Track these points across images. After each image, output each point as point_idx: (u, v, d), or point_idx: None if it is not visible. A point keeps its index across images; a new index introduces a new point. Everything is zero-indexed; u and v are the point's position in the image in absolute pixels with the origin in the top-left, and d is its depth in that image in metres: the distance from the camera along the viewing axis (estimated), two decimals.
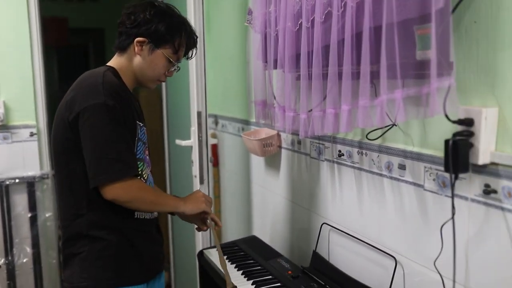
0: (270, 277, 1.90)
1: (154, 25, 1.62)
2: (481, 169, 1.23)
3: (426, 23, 1.15)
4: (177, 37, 1.66)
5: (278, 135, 2.28)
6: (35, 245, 2.85)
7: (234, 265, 2.01)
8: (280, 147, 2.29)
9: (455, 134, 1.20)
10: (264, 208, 2.53)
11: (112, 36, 6.23)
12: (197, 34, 1.76)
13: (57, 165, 1.61)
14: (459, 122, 1.20)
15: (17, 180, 2.79)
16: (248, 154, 2.63)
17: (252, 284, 1.84)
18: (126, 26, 1.64)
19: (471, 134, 1.19)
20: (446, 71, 1.14)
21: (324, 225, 1.93)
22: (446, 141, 1.20)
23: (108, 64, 1.68)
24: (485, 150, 1.19)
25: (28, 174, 2.81)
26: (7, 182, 2.76)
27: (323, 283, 1.78)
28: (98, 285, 1.57)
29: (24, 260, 2.84)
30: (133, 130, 1.58)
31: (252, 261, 2.05)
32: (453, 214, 1.23)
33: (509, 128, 1.17)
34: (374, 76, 1.31)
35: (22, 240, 2.84)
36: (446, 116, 1.18)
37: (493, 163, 1.20)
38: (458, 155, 1.18)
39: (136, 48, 1.63)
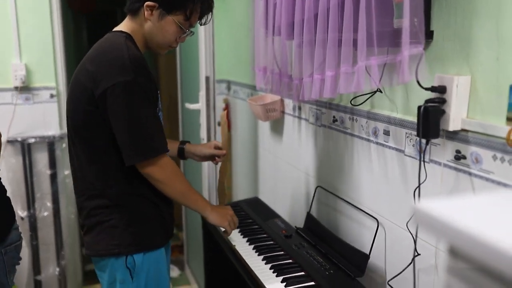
0: (265, 235, 2.00)
1: None
2: (453, 136, 1.27)
3: None
4: (190, 3, 1.60)
5: (282, 101, 2.34)
6: (55, 200, 3.02)
7: None
8: (283, 112, 2.35)
9: (427, 101, 1.24)
10: (268, 171, 2.61)
11: None
12: None
13: (77, 137, 1.60)
14: (432, 89, 1.24)
15: (38, 139, 2.94)
16: (256, 119, 2.70)
17: (247, 242, 1.94)
18: None
19: (444, 101, 1.24)
20: (418, 39, 1.17)
21: (318, 188, 2.01)
22: (418, 108, 1.24)
23: (121, 28, 1.64)
24: (456, 117, 1.23)
25: (48, 134, 2.96)
26: (29, 141, 2.92)
27: (313, 243, 1.87)
28: (130, 251, 1.61)
29: (45, 214, 3.03)
30: (157, 101, 1.61)
31: (250, 221, 2.15)
32: (420, 178, 1.29)
33: (480, 96, 1.20)
34: (356, 43, 1.35)
35: (43, 196, 3.02)
36: (418, 83, 1.22)
37: (464, 130, 1.24)
38: (429, 121, 1.23)
39: (146, 13, 1.59)
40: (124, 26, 1.65)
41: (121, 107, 1.49)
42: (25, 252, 3.01)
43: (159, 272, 1.70)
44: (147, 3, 1.58)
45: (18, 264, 1.93)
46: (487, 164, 1.18)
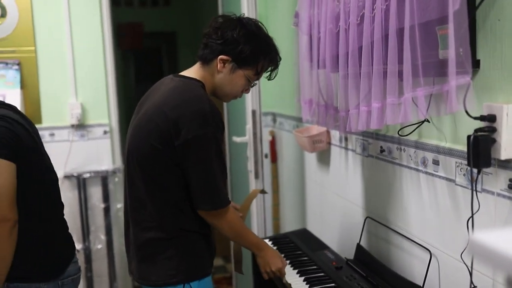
0: (315, 267, 1.99)
1: (241, 46, 1.63)
2: (506, 164, 1.25)
3: (446, 23, 1.20)
4: (261, 60, 1.68)
5: (328, 132, 2.36)
6: (108, 233, 3.12)
7: (283, 255, 2.12)
8: (329, 143, 2.37)
9: (476, 130, 1.24)
10: (316, 202, 2.62)
11: (184, 39, 6.58)
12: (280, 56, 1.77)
13: (139, 171, 1.66)
14: (481, 118, 1.24)
15: (92, 174, 3.06)
16: (303, 151, 2.73)
17: (297, 273, 1.94)
18: (213, 40, 1.66)
19: (494, 130, 1.23)
20: (465, 69, 1.18)
21: (368, 219, 2.00)
22: (468, 137, 1.24)
23: (193, 75, 1.70)
24: (508, 146, 1.22)
25: (102, 169, 3.08)
26: (84, 176, 3.05)
27: (364, 274, 1.86)
28: (186, 279, 1.68)
29: (99, 247, 3.13)
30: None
31: (300, 252, 2.16)
32: (472, 208, 1.27)
33: None
34: (401, 74, 1.37)
35: (97, 228, 3.13)
36: (467, 113, 1.22)
37: None
38: (479, 151, 1.22)
39: (218, 65, 1.66)
40: (196, 73, 1.71)
41: (198, 158, 1.59)
42: (80, 285, 3.10)
43: None
44: (221, 56, 1.64)
45: None
46: None
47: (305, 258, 2.10)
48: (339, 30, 1.76)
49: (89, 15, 3.01)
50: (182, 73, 1.73)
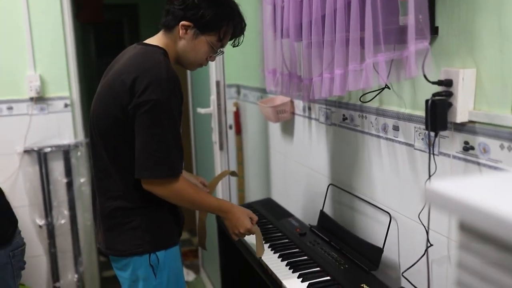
0: (280, 234, 2.04)
1: (202, 11, 1.61)
2: (461, 127, 1.31)
3: None
4: (224, 25, 1.65)
5: (291, 102, 2.39)
6: (72, 208, 3.07)
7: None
8: (293, 113, 2.39)
9: (434, 95, 1.28)
10: (280, 172, 2.65)
11: (145, 11, 6.45)
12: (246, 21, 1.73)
13: (102, 141, 1.65)
14: (439, 83, 1.28)
15: (53, 148, 3.00)
16: (267, 121, 2.75)
17: (263, 240, 1.98)
18: (174, 6, 1.64)
19: (450, 94, 1.27)
20: (423, 35, 1.22)
21: (330, 186, 2.04)
22: (426, 101, 1.28)
23: (156, 43, 1.68)
24: (463, 109, 1.27)
25: (63, 143, 3.02)
26: (45, 150, 2.98)
27: (327, 240, 1.91)
28: (151, 249, 1.67)
29: (62, 222, 3.08)
30: (181, 115, 1.65)
31: (264, 220, 2.19)
32: (430, 171, 1.32)
33: (486, 88, 1.24)
34: (363, 42, 1.39)
35: (60, 204, 3.07)
36: (425, 77, 1.26)
37: (471, 121, 1.28)
38: (436, 114, 1.27)
39: (180, 31, 1.63)
40: (159, 40, 1.69)
41: (148, 123, 1.54)
42: (43, 260, 3.07)
43: (178, 268, 1.77)
44: (182, 22, 1.62)
45: (23, 268, 1.98)
46: (495, 154, 1.21)
47: (270, 226, 2.14)
48: None
49: None
50: (146, 41, 1.71)
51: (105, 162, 1.68)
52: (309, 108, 2.21)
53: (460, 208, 0.58)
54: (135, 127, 1.56)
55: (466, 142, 1.30)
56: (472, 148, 1.28)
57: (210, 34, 1.65)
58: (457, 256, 0.65)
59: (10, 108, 2.94)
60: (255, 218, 1.81)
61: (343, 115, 1.91)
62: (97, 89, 1.71)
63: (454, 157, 1.35)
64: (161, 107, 1.54)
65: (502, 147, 1.18)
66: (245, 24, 1.73)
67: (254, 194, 3.11)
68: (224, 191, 2.75)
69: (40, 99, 2.96)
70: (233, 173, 2.22)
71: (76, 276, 3.12)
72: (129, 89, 1.55)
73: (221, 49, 1.74)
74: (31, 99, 2.94)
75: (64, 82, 3.02)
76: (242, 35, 1.75)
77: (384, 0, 1.29)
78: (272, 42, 2.11)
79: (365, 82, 1.35)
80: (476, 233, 0.60)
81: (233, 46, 1.79)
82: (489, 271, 0.60)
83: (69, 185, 3.07)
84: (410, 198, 1.56)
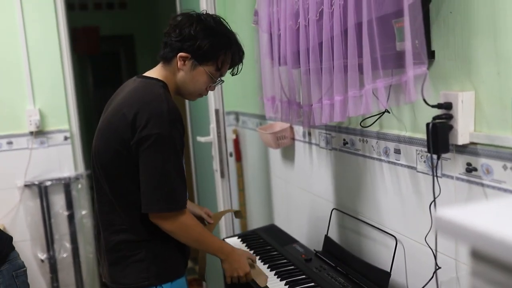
0: (285, 261, 2.02)
1: (198, 42, 1.61)
2: (463, 149, 1.32)
3: (401, 16, 1.25)
4: (221, 55, 1.66)
5: (291, 128, 2.40)
6: (74, 240, 3.06)
7: (252, 251, 2.14)
8: (293, 139, 2.41)
9: (435, 118, 1.29)
10: (282, 197, 2.65)
11: (142, 42, 6.50)
12: (244, 50, 1.74)
13: (104, 175, 1.64)
14: (438, 106, 1.30)
15: (54, 181, 3.00)
16: (267, 148, 2.76)
17: (267, 268, 1.97)
18: (171, 38, 1.65)
19: (450, 117, 1.29)
20: (421, 60, 1.23)
21: (334, 210, 2.04)
22: (427, 125, 1.29)
23: (155, 75, 1.69)
24: (464, 131, 1.28)
25: (64, 175, 3.02)
26: (46, 184, 2.98)
27: (333, 265, 1.90)
28: (158, 282, 1.66)
29: (64, 255, 3.06)
30: (183, 147, 1.66)
31: (269, 247, 2.18)
32: (434, 193, 1.33)
33: (485, 109, 1.25)
34: (361, 68, 1.41)
35: (62, 237, 3.06)
36: (425, 101, 1.28)
37: (472, 143, 1.29)
38: (438, 137, 1.28)
39: (178, 63, 1.65)
40: (158, 73, 1.70)
41: (151, 157, 1.55)
42: None
43: None
44: (180, 54, 1.63)
45: None
46: (498, 174, 1.22)
47: (275, 252, 2.12)
48: (299, 27, 1.79)
49: (44, 19, 2.95)
50: (145, 74, 1.72)
51: (108, 196, 1.68)
52: (309, 134, 2.22)
53: (471, 236, 0.59)
54: (139, 162, 1.57)
55: (468, 164, 1.31)
56: (475, 169, 1.28)
57: (208, 64, 1.66)
58: (470, 283, 0.65)
59: (10, 143, 2.96)
60: (254, 258, 1.84)
61: (344, 139, 1.92)
62: (99, 123, 1.72)
63: (458, 178, 1.35)
64: (162, 140, 1.54)
65: (505, 167, 1.19)
66: (243, 53, 1.75)
67: (256, 221, 3.09)
68: (227, 218, 2.74)
69: (39, 133, 2.98)
70: (237, 213, 2.22)
71: None
72: (131, 123, 1.55)
73: (220, 79, 1.75)
74: (31, 133, 2.96)
75: (63, 115, 3.04)
76: (241, 64, 1.76)
77: (380, 26, 1.31)
78: (270, 69, 2.14)
79: (365, 108, 1.37)
80: (488, 260, 0.60)
81: (232, 75, 1.80)
82: None
83: (71, 217, 3.07)
84: (415, 221, 1.56)
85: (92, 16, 6.33)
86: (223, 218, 2.69)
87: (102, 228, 1.72)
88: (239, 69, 1.78)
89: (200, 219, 2.01)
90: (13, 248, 1.92)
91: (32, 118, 2.94)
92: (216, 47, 1.65)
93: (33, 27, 2.93)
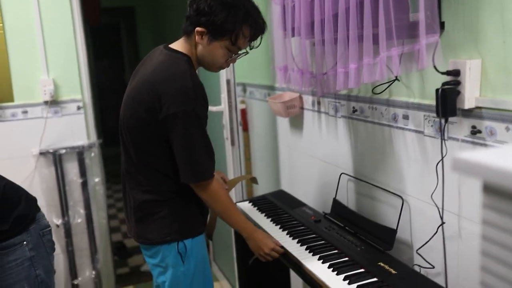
0: (296, 222, 2.15)
1: (213, 17, 1.65)
2: (468, 113, 1.43)
3: None
4: (237, 29, 1.68)
5: (300, 97, 2.50)
6: (87, 207, 3.18)
7: (264, 214, 2.27)
8: (302, 108, 2.51)
9: (444, 84, 1.40)
10: (290, 165, 2.77)
11: (142, 15, 6.50)
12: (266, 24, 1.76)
13: (131, 139, 1.77)
14: (447, 73, 1.41)
15: (68, 150, 3.10)
16: (274, 117, 2.86)
17: (280, 228, 2.10)
18: (190, 12, 1.70)
19: (458, 83, 1.40)
20: (433, 29, 1.34)
21: (342, 175, 2.16)
22: (436, 90, 1.40)
23: (179, 48, 1.75)
24: (470, 96, 1.39)
25: (77, 144, 3.13)
26: (60, 152, 3.08)
27: (342, 225, 2.03)
28: (179, 238, 1.80)
29: (79, 221, 3.19)
30: (206, 119, 1.77)
31: (280, 210, 2.31)
32: (442, 153, 1.44)
33: (490, 76, 1.36)
34: (376, 38, 1.51)
35: (76, 203, 3.18)
36: (435, 68, 1.39)
37: (478, 107, 1.40)
38: (446, 102, 1.39)
39: (196, 37, 1.70)
40: (181, 46, 1.77)
41: (180, 133, 1.67)
42: (61, 258, 3.16)
43: (204, 256, 1.89)
44: (197, 28, 1.69)
45: (54, 250, 2.07)
46: (501, 136, 1.34)
47: (286, 215, 2.25)
48: None
49: None
50: (171, 45, 1.79)
51: (134, 159, 1.79)
52: (319, 103, 2.33)
53: (485, 171, 0.70)
54: (169, 135, 1.69)
55: (473, 127, 1.42)
56: (480, 131, 1.40)
57: (224, 39, 1.70)
58: (481, 214, 0.76)
59: (25, 112, 3.04)
60: (279, 243, 1.91)
61: (353, 107, 2.03)
62: (126, 90, 1.82)
63: (463, 140, 1.47)
64: (188, 117, 1.65)
65: (507, 129, 1.31)
66: (262, 26, 1.76)
67: (262, 189, 3.22)
68: (236, 187, 2.86)
69: (53, 103, 3.07)
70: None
71: (93, 273, 3.23)
72: (158, 97, 1.66)
73: (244, 51, 1.79)
74: (46, 102, 3.04)
75: (77, 85, 3.12)
76: (260, 38, 1.78)
77: None
78: (282, 40, 2.23)
79: (380, 74, 1.48)
80: (498, 192, 0.72)
81: (250, 49, 1.83)
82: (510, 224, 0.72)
83: (84, 185, 3.18)
84: (422, 181, 1.68)
85: None
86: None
87: (129, 188, 1.84)
88: (258, 43, 1.80)
89: None
90: (39, 209, 2.03)
91: (46, 88, 3.02)
92: (231, 22, 1.67)
93: (46, 1, 2.99)
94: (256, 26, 1.74)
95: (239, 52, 1.79)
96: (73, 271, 3.19)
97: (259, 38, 1.79)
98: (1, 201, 1.84)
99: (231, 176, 2.83)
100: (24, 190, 1.99)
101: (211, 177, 1.76)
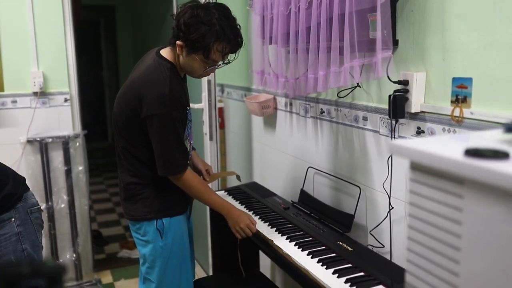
0: (267, 209, 2.42)
1: (187, 34, 1.82)
2: (414, 116, 1.73)
3: (375, 12, 1.64)
4: (209, 45, 1.82)
5: (274, 99, 2.78)
6: (70, 193, 3.38)
7: (238, 201, 2.53)
8: (276, 108, 2.79)
9: (395, 91, 1.70)
10: (262, 159, 3.04)
11: (122, 13, 6.70)
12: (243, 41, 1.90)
13: (119, 132, 2.01)
14: (399, 82, 1.70)
15: (54, 139, 3.29)
16: (249, 116, 3.13)
17: (253, 213, 2.36)
18: (173, 25, 1.89)
19: (407, 91, 1.69)
20: (387, 46, 1.63)
21: (309, 168, 2.45)
22: (389, 96, 1.70)
23: (166, 55, 1.95)
24: (416, 102, 1.69)
25: (63, 134, 3.32)
26: (47, 141, 3.27)
27: (308, 212, 2.31)
28: (159, 216, 2.06)
29: (62, 206, 3.38)
30: (185, 121, 2.01)
31: (253, 199, 2.57)
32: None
33: (432, 86, 1.66)
34: (342, 50, 1.80)
35: (59, 189, 3.37)
36: (388, 78, 1.68)
37: (422, 112, 1.70)
38: (397, 106, 1.68)
39: (177, 49, 1.89)
40: (168, 53, 1.97)
41: (156, 133, 1.92)
42: (44, 241, 3.31)
43: (182, 232, 2.15)
44: (177, 42, 1.88)
45: (43, 227, 2.20)
46: (439, 135, 1.63)
47: (258, 203, 2.51)
48: (289, 13, 2.16)
49: None
50: (162, 51, 2.01)
51: (122, 149, 2.06)
52: (291, 104, 2.61)
53: (411, 152, 0.99)
54: (149, 132, 1.94)
55: (418, 127, 1.72)
56: (423, 131, 1.70)
57: (198, 53, 1.86)
58: (409, 186, 1.04)
59: (14, 102, 3.23)
60: (254, 221, 2.14)
61: (321, 109, 2.32)
62: (120, 89, 2.07)
63: (410, 139, 1.76)
64: (164, 118, 1.90)
65: (444, 129, 1.61)
66: (238, 42, 1.89)
67: (236, 182, 3.47)
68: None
69: (42, 94, 3.26)
70: (238, 177, 2.59)
71: (74, 255, 3.42)
72: (139, 100, 1.90)
73: (220, 63, 1.97)
74: (35, 93, 3.23)
75: (65, 78, 3.32)
76: (234, 53, 1.93)
77: (358, 18, 1.70)
78: (260, 47, 2.50)
79: (344, 81, 1.76)
80: (421, 169, 1.00)
81: (223, 63, 1.97)
82: (431, 192, 1.00)
83: (68, 172, 3.37)
84: (376, 173, 1.97)
85: None
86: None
87: (120, 171, 2.10)
88: (232, 59, 1.95)
89: (200, 174, 2.38)
90: (28, 188, 2.13)
91: (36, 79, 3.21)
92: (204, 39, 1.82)
93: None
94: (229, 42, 1.87)
95: (218, 64, 1.97)
96: (54, 253, 3.38)
97: (234, 55, 1.95)
98: None
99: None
100: (12, 170, 2.10)
101: (182, 171, 2.00)
